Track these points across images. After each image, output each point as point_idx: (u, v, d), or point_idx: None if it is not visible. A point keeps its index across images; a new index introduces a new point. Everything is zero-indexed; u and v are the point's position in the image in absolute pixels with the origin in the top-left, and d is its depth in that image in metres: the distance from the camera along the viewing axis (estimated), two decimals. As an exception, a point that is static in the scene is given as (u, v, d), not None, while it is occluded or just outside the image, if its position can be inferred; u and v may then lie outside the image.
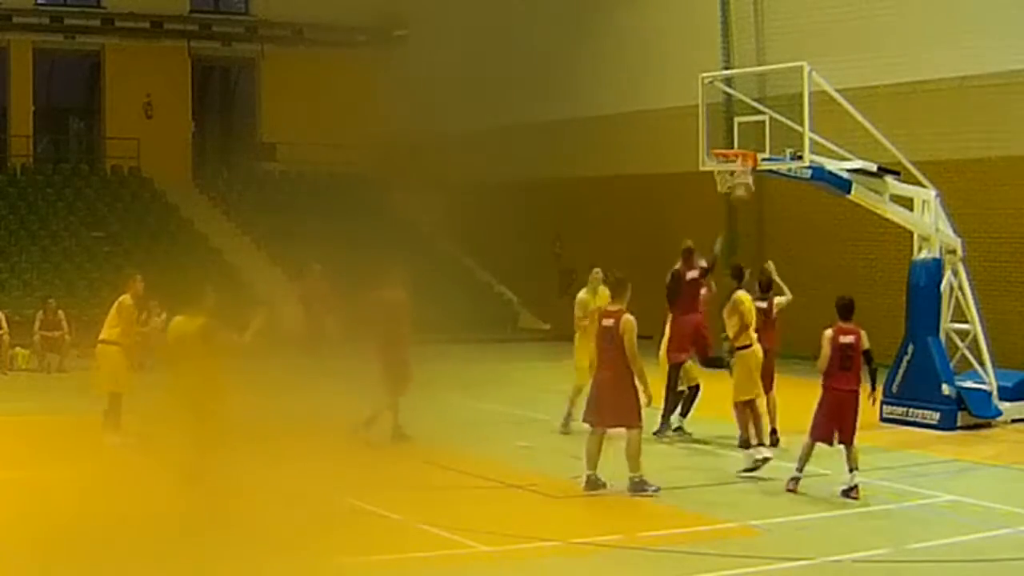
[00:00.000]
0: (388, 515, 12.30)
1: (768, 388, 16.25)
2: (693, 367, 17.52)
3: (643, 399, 13.57)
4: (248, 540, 11.02)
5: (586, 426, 14.11)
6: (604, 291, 16.67)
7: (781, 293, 17.16)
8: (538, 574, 11.14)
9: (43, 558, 10.70)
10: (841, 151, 18.94)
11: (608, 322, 13.67)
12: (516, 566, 11.17)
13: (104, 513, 11.54)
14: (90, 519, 11.45)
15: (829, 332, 13.65)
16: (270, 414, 16.69)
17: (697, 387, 17.51)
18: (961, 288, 18.94)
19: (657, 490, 13.53)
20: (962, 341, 19.01)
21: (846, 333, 13.62)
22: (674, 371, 17.23)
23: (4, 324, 25.69)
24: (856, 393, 13.55)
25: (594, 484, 13.68)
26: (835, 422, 13.53)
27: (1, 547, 11.01)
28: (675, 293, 17.40)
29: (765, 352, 15.93)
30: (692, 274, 17.52)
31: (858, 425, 13.59)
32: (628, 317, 13.54)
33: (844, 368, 13.52)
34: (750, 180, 18.49)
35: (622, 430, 13.63)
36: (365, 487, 13.21)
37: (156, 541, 10.90)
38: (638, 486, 13.51)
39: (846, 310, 13.79)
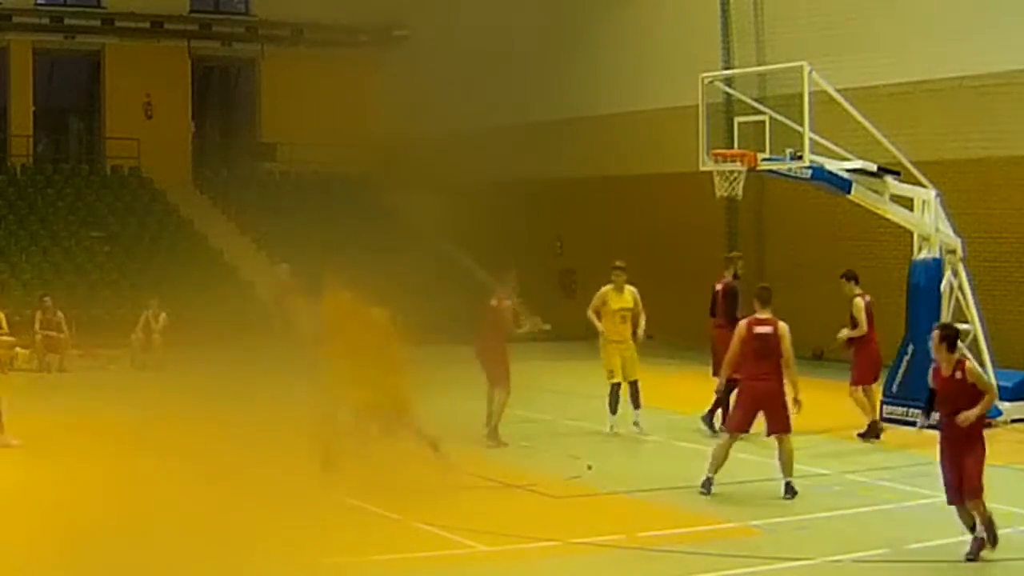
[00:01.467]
0: (388, 515, 12.29)
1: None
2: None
3: (792, 406, 13.56)
4: (248, 540, 11.02)
5: (724, 432, 14.59)
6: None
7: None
8: (538, 574, 11.15)
9: (43, 557, 10.71)
10: (841, 151, 18.94)
11: (764, 329, 13.62)
12: (516, 566, 11.17)
13: (102, 513, 11.53)
14: (88, 519, 11.44)
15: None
16: (268, 416, 16.70)
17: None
18: (961, 288, 18.91)
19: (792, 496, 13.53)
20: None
21: None
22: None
23: (4, 324, 25.65)
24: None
25: (708, 486, 13.71)
26: None
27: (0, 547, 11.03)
28: (734, 306, 17.41)
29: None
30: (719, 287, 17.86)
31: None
32: (784, 324, 13.58)
33: None
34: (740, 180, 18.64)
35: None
36: (365, 487, 13.21)
37: (156, 540, 10.90)
38: (790, 488, 13.53)
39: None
